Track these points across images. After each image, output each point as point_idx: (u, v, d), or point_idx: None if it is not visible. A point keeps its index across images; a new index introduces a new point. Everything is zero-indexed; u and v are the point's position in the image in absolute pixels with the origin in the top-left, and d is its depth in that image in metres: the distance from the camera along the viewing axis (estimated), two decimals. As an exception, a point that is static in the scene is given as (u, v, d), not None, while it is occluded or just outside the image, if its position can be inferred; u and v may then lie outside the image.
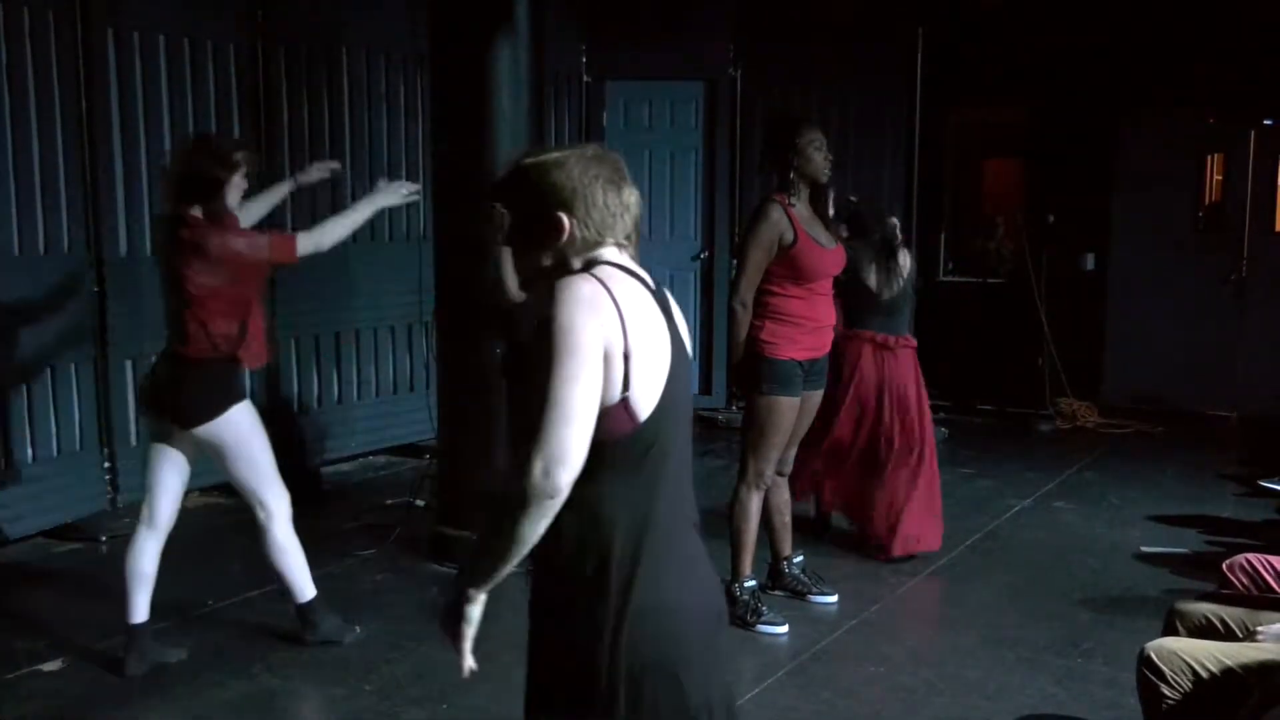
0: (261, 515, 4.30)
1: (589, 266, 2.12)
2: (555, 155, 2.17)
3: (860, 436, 5.76)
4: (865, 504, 5.67)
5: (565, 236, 2.12)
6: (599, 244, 2.15)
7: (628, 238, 2.19)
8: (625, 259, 2.17)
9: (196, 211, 4.08)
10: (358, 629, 4.58)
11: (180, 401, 4.15)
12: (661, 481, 2.11)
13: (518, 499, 1.99)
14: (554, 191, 2.13)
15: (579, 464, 1.98)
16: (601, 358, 2.00)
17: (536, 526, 2.00)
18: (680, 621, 2.12)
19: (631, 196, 2.19)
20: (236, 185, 4.18)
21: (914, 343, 6.02)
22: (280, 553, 4.36)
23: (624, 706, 2.07)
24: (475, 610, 2.17)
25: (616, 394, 2.03)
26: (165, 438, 4.24)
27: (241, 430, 4.20)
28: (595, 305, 2.01)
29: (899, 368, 5.85)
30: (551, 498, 1.97)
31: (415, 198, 4.61)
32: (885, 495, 5.58)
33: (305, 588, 4.46)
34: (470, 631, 2.17)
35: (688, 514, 2.20)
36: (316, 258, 6.94)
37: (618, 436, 2.04)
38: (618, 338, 2.02)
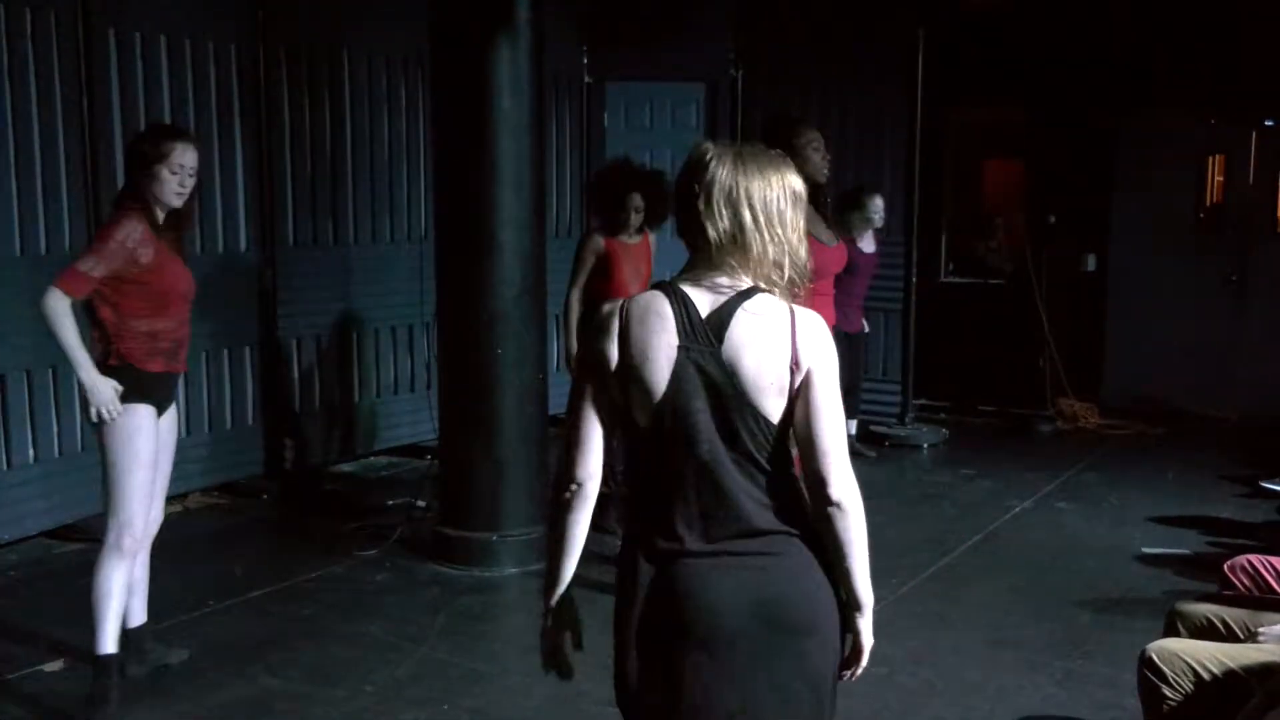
0: (105, 537, 3.92)
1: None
2: (701, 152, 2.26)
3: None
4: None
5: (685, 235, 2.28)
6: (693, 247, 2.26)
7: (730, 244, 2.19)
8: (704, 277, 2.22)
9: (133, 202, 3.89)
10: None
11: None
12: (672, 487, 2.20)
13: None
14: (678, 188, 2.30)
15: (581, 456, 2.23)
16: (597, 371, 2.21)
17: (561, 516, 2.30)
18: (690, 611, 2.20)
19: (752, 206, 2.19)
20: (166, 179, 3.83)
21: None
22: (96, 585, 3.89)
23: (634, 681, 2.33)
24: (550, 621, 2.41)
25: (619, 403, 2.23)
26: None
27: (120, 433, 3.84)
28: (600, 325, 2.23)
29: None
30: (564, 486, 2.25)
31: (103, 419, 3.86)
32: None
33: (105, 640, 3.88)
34: (547, 645, 2.44)
35: (713, 521, 2.20)
36: (317, 259, 7.06)
37: (629, 442, 2.26)
38: (614, 353, 2.19)
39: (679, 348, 2.15)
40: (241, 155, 6.65)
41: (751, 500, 2.19)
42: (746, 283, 2.21)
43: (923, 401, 8.86)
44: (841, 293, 7.11)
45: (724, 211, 2.17)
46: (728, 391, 2.16)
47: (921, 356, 8.59)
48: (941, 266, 9.40)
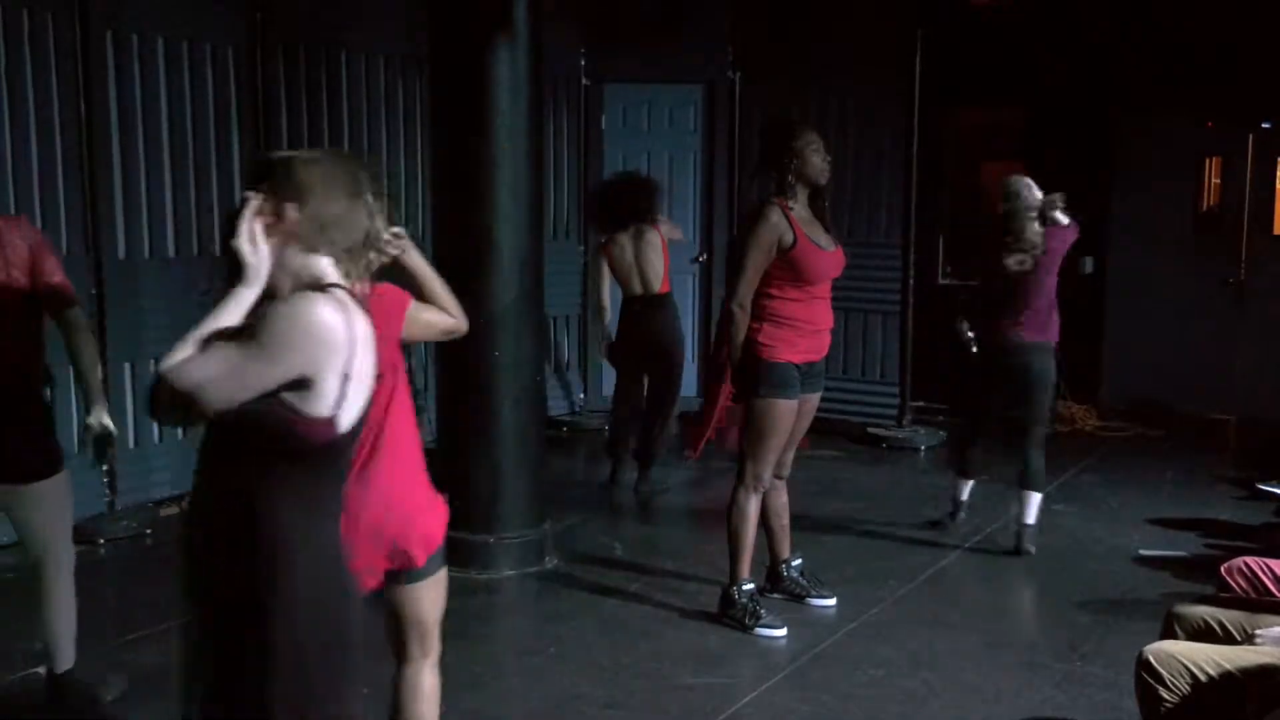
0: None
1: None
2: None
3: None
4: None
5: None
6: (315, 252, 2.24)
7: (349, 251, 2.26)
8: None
9: None
10: None
11: None
12: None
13: None
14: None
15: None
16: None
17: None
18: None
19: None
20: None
21: None
22: None
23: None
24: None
25: None
26: None
27: None
28: None
29: None
30: None
31: None
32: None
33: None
34: None
35: None
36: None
37: None
38: None
39: None
40: (239, 157, 6.64)
41: None
42: None
43: (920, 404, 8.85)
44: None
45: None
46: None
47: (918, 359, 8.59)
48: (939, 268, 9.40)
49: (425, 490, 3.08)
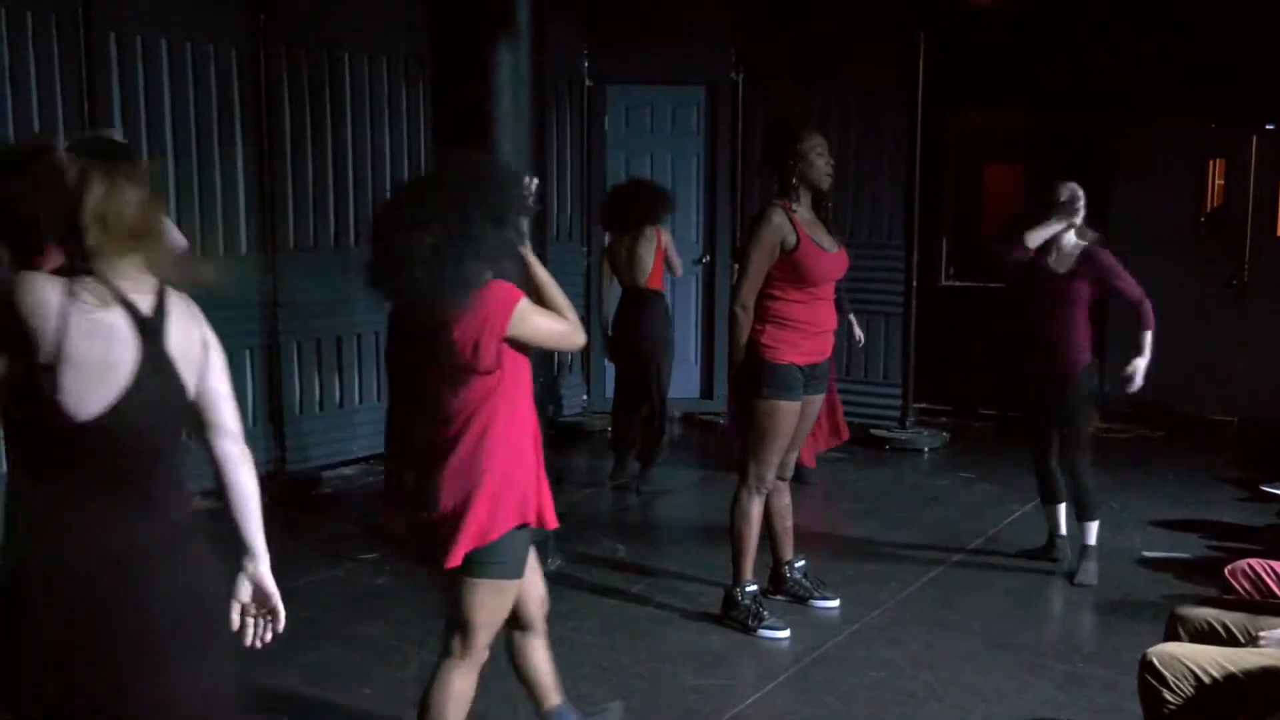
0: None
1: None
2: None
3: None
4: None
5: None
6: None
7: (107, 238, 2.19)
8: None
9: None
10: None
11: None
12: None
13: None
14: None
15: None
16: None
17: None
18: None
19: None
20: None
21: None
22: None
23: None
24: None
25: None
26: None
27: None
28: None
29: None
30: None
31: None
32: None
33: None
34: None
35: None
36: (317, 260, 7.05)
37: None
38: None
39: None
40: (242, 158, 6.65)
41: None
42: None
43: (923, 405, 8.85)
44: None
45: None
46: None
47: (922, 360, 8.59)
48: (942, 270, 9.39)
49: (494, 494, 3.05)
